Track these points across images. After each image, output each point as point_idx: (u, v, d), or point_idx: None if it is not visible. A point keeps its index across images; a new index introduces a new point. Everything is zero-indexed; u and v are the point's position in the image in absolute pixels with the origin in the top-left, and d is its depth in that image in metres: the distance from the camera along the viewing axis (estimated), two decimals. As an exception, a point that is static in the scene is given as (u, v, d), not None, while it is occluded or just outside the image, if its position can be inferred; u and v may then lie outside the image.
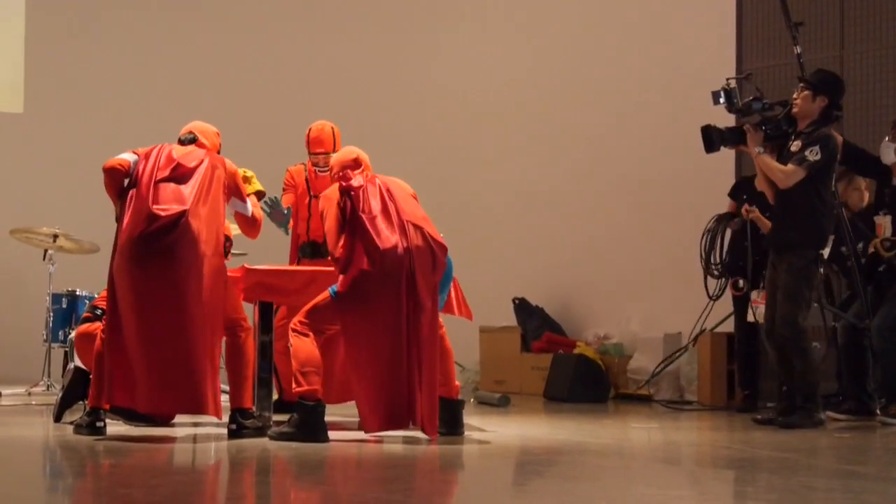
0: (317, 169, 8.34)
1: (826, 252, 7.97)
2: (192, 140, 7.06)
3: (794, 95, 8.06)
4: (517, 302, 12.11)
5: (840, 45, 10.47)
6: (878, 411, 8.25)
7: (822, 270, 8.03)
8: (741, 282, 9.12)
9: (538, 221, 12.47)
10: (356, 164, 7.04)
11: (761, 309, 8.45)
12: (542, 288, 12.22)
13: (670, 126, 11.16)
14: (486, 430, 7.55)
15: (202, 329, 6.64)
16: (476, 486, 5.44)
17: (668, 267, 11.29)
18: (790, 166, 7.89)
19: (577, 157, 12.22)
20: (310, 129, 8.39)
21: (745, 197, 9.24)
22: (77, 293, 10.36)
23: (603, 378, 10.85)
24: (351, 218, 6.80)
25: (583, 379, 10.73)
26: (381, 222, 6.78)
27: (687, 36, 11.50)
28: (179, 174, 6.77)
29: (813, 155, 7.82)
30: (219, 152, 7.15)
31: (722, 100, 8.05)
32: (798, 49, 8.47)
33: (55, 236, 10.30)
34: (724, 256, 9.30)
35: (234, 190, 6.97)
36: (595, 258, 12.03)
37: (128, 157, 6.86)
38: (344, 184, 6.88)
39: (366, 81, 13.01)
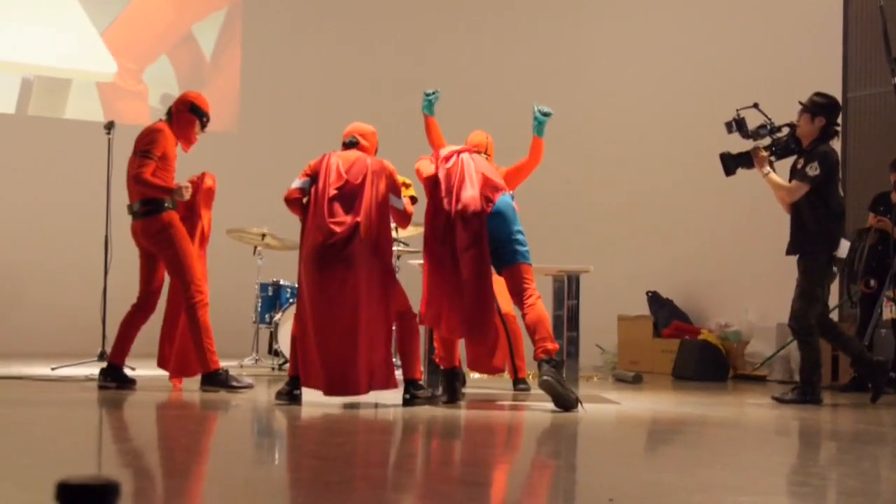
0: None
1: (839, 252, 7.81)
2: (354, 143, 7.13)
3: (797, 119, 7.95)
4: (650, 295, 12.04)
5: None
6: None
7: (835, 269, 7.90)
8: (872, 281, 9.00)
9: (670, 224, 12.35)
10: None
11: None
12: (672, 283, 12.11)
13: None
14: (622, 403, 7.50)
15: (373, 324, 6.72)
16: (612, 450, 5.41)
17: (781, 265, 11.05)
18: (794, 182, 7.82)
19: (699, 171, 12.05)
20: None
21: (881, 209, 9.11)
22: (280, 283, 10.58)
23: (723, 361, 10.72)
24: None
25: (706, 361, 10.63)
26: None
27: (795, 62, 11.25)
28: (349, 190, 6.86)
29: (812, 170, 7.72)
30: (376, 150, 7.22)
31: (734, 129, 7.96)
32: (895, 80, 8.26)
33: (263, 235, 10.51)
34: (864, 264, 9.16)
35: (391, 188, 6.99)
36: (718, 257, 11.88)
37: (299, 184, 6.95)
38: None
39: (500, 81, 13.04)
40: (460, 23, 14.20)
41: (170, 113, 7.82)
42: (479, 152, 7.91)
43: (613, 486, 3.97)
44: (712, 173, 11.87)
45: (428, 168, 7.23)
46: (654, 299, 12.00)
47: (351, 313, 6.67)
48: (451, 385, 7.07)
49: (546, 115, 8.03)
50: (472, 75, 13.72)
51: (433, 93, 8.06)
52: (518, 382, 8.27)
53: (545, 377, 6.60)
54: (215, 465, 4.56)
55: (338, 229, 6.74)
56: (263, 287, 10.58)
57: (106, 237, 9.02)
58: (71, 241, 12.20)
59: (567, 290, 7.84)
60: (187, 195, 7.55)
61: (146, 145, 7.56)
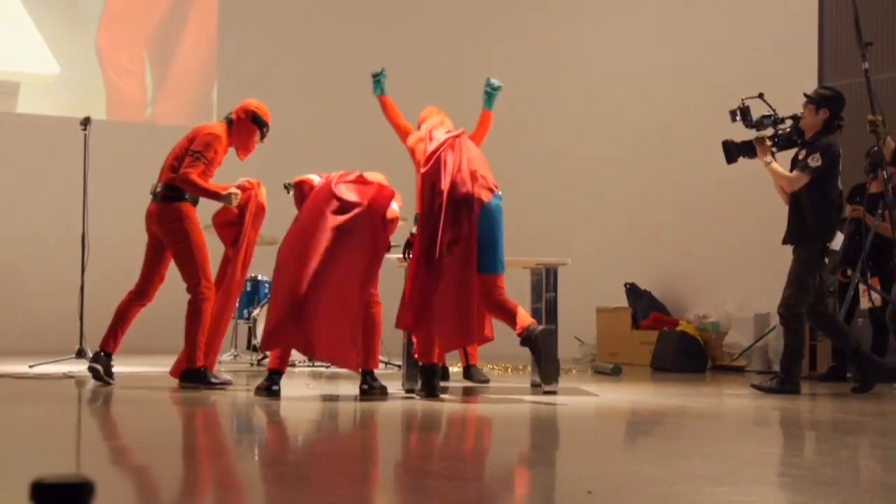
0: None
1: (834, 244, 7.86)
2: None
3: (801, 111, 7.95)
4: (628, 286, 12.04)
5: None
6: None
7: (826, 260, 7.92)
8: (849, 271, 9.03)
9: (647, 215, 12.36)
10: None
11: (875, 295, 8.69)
12: (650, 274, 12.12)
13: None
14: (601, 395, 7.51)
15: (346, 297, 6.77)
16: (592, 442, 5.41)
17: (758, 256, 11.12)
18: (795, 172, 7.81)
19: (676, 162, 12.07)
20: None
21: (858, 199, 9.14)
22: (259, 278, 10.54)
23: (702, 352, 10.74)
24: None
25: (684, 352, 10.64)
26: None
27: (770, 53, 11.26)
28: (360, 182, 7.00)
29: (814, 161, 7.72)
30: None
31: (738, 117, 7.96)
32: (866, 65, 8.27)
33: (241, 231, 10.45)
34: (841, 254, 9.20)
35: (395, 198, 7.09)
36: (695, 249, 11.90)
37: (314, 176, 7.10)
38: None
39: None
40: (452, 18, 14.13)
41: (230, 119, 7.80)
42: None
43: (593, 477, 3.97)
44: (689, 165, 11.97)
45: (421, 150, 7.24)
46: (633, 291, 12.01)
47: (324, 275, 6.70)
48: (429, 381, 7.04)
49: (495, 88, 8.05)
50: (458, 70, 13.68)
51: (380, 72, 8.12)
52: (469, 370, 8.24)
53: (547, 326, 6.76)
54: (195, 462, 4.54)
55: (344, 197, 6.87)
56: (241, 283, 10.53)
57: (83, 234, 8.97)
58: (48, 239, 12.11)
59: (545, 282, 7.83)
60: (235, 202, 7.55)
61: (201, 147, 7.52)
